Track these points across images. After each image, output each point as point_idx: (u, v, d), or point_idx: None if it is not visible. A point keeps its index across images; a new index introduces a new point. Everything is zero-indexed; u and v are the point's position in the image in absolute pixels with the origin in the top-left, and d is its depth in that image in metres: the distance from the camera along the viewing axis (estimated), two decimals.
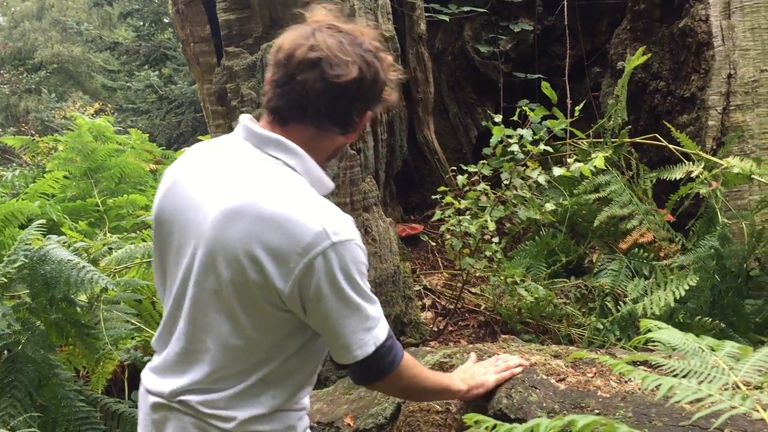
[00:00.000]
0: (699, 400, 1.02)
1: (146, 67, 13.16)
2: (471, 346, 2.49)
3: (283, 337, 1.53)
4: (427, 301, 3.35)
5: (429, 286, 3.38)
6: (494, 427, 1.21)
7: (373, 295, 1.54)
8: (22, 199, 4.74)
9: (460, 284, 3.20)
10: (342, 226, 1.46)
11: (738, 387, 1.06)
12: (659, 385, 1.07)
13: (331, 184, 1.61)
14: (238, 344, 1.50)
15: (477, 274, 3.38)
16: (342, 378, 2.92)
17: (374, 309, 1.52)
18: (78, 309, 3.79)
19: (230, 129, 3.39)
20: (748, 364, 1.11)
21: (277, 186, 1.47)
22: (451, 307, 3.24)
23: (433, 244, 3.49)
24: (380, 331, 1.53)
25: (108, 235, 5.09)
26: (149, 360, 4.07)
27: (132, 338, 4.28)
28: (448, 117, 4.28)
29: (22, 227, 4.34)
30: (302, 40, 1.47)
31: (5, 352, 3.37)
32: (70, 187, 5.65)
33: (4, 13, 25.73)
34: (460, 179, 2.85)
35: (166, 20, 12.81)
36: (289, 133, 1.53)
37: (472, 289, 3.34)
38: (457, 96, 4.34)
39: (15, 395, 3.22)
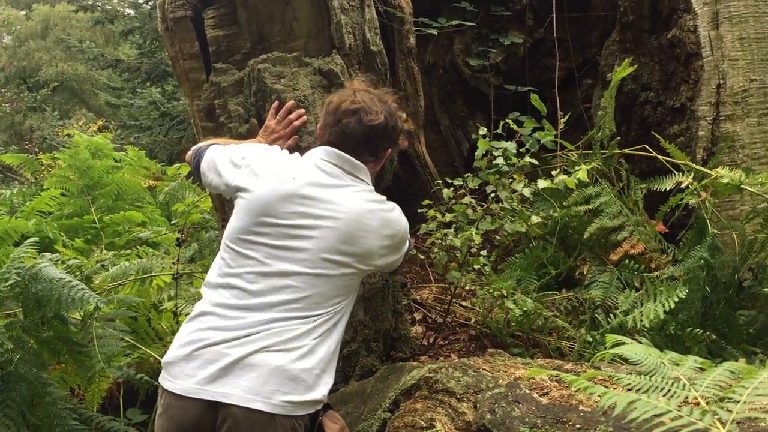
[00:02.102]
0: (659, 415, 1.01)
1: (148, 83, 13.24)
2: (458, 360, 2.48)
3: None
4: (418, 315, 3.34)
5: (419, 300, 3.37)
6: None
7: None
8: (17, 217, 4.76)
9: (449, 298, 3.19)
10: None
11: (698, 402, 1.05)
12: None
13: None
14: None
15: (467, 288, 3.37)
16: (332, 394, 2.91)
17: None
18: (71, 327, 3.79)
19: None
20: (709, 380, 1.10)
21: None
22: (441, 320, 3.23)
23: (422, 257, 3.49)
24: None
25: (104, 252, 5.11)
26: (142, 377, 4.03)
27: (126, 355, 4.28)
28: (439, 130, 4.28)
29: (17, 245, 4.37)
30: (346, 97, 2.17)
31: None
32: (68, 204, 5.67)
33: (9, 33, 25.95)
34: (446, 192, 2.85)
35: None
36: None
37: (463, 303, 3.33)
38: (448, 109, 4.34)
39: (8, 414, 3.22)
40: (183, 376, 1.90)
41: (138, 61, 12.92)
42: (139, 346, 4.23)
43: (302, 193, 2.01)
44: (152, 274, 4.60)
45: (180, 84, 3.69)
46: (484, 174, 3.16)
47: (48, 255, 3.79)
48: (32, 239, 3.56)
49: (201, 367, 1.88)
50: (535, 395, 2.13)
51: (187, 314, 4.88)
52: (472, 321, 3.16)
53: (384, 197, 2.19)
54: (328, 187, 2.04)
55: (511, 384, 2.21)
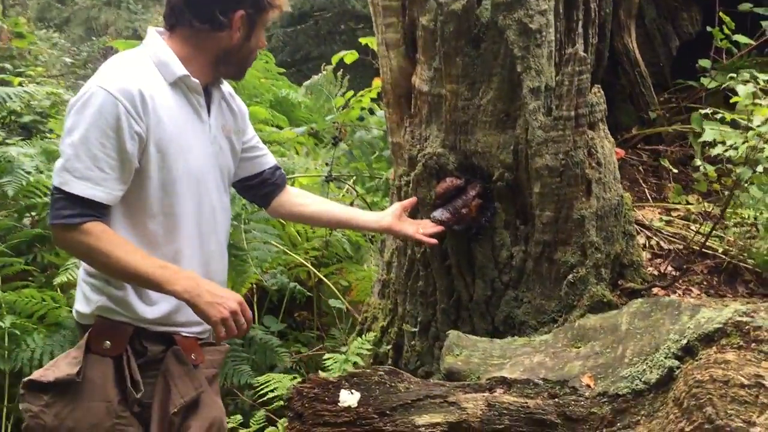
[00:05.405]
0: None
1: None
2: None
3: None
4: (640, 239, 2.82)
5: (644, 222, 2.84)
6: None
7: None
8: None
9: (692, 222, 2.66)
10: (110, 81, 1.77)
11: None
12: None
13: (177, 71, 1.86)
14: None
15: (704, 210, 2.82)
16: (562, 326, 2.45)
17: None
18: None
19: (403, 28, 2.87)
20: None
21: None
22: (674, 248, 2.71)
23: (637, 169, 2.93)
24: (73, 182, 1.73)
25: None
26: (296, 286, 3.54)
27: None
28: (643, 24, 3.61)
29: None
30: None
31: None
32: None
33: None
34: (743, 90, 2.25)
35: None
36: (173, 37, 1.91)
37: (700, 228, 2.78)
38: None
39: None
40: None
41: None
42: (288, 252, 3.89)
43: None
44: (294, 175, 4.19)
45: None
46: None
47: None
48: None
49: None
50: None
51: None
52: (720, 251, 2.63)
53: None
54: None
55: None
